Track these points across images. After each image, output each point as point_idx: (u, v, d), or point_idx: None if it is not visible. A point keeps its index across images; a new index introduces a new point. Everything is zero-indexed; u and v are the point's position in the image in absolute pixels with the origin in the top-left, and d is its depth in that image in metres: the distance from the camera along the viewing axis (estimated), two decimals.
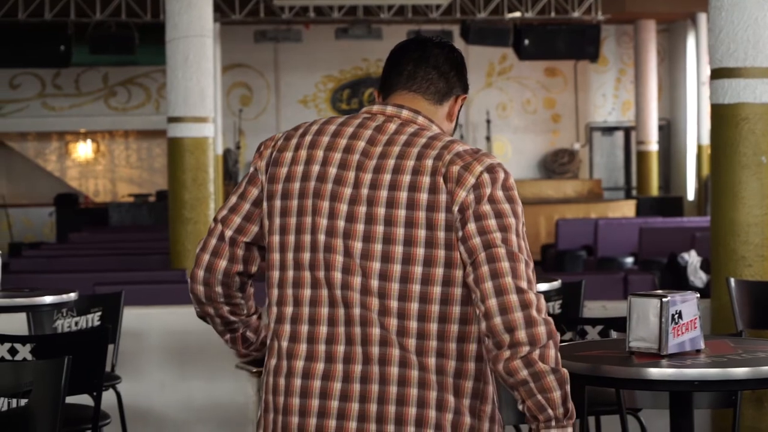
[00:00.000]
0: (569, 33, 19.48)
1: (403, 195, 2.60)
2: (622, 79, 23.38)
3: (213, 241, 2.79)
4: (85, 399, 4.76)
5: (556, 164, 23.07)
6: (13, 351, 4.42)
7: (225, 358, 6.63)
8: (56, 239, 18.91)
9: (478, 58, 22.50)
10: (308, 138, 2.73)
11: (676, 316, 3.19)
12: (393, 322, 2.57)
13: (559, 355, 2.53)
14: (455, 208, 2.58)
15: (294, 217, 2.69)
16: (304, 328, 2.64)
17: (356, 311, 2.60)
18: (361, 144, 2.68)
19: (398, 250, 2.59)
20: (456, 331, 2.59)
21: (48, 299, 5.01)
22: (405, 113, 2.74)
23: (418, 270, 2.59)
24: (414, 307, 2.58)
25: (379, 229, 2.61)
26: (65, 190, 22.48)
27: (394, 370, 2.58)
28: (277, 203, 2.71)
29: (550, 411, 2.52)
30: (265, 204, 2.75)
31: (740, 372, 3.07)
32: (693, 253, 10.74)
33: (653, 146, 21.69)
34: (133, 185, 23.67)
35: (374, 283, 2.59)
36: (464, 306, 2.60)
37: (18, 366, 3.73)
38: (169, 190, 10.49)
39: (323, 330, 2.62)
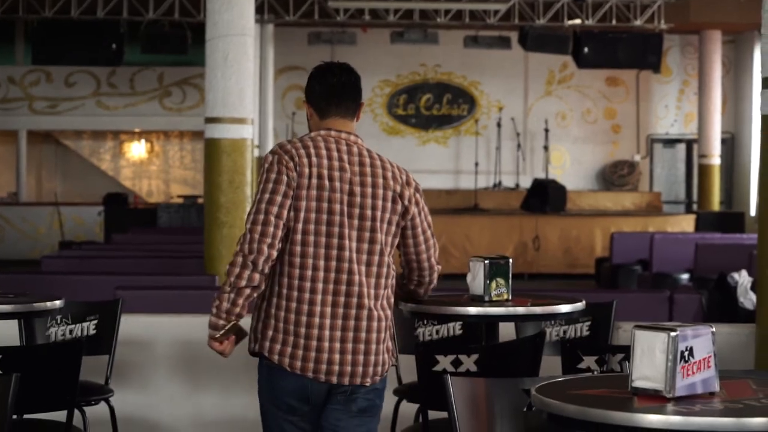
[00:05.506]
0: (631, 42, 19.00)
1: (380, 203, 4.15)
2: (685, 90, 22.82)
3: (268, 240, 3.96)
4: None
5: (616, 176, 22.56)
6: None
7: (239, 371, 6.27)
8: (104, 239, 18.72)
9: (538, 66, 22.05)
10: (314, 159, 4.06)
11: (686, 353, 2.77)
12: (372, 281, 4.14)
13: None
14: (407, 216, 4.25)
15: (314, 213, 4.05)
16: (320, 286, 4.04)
17: (354, 267, 4.10)
18: (346, 165, 4.11)
19: (379, 237, 4.13)
20: (392, 283, 4.23)
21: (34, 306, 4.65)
22: (352, 138, 4.18)
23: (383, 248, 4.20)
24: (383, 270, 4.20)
25: (368, 224, 4.12)
26: (118, 190, 22.31)
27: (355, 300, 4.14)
28: (303, 203, 4.04)
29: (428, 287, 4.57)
30: (293, 202, 4.03)
31: (756, 423, 2.59)
32: (744, 273, 10.25)
33: (715, 160, 21.14)
34: (187, 186, 23.45)
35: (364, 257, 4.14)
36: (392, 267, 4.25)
37: None
38: (204, 193, 10.20)
39: (331, 286, 4.06)
